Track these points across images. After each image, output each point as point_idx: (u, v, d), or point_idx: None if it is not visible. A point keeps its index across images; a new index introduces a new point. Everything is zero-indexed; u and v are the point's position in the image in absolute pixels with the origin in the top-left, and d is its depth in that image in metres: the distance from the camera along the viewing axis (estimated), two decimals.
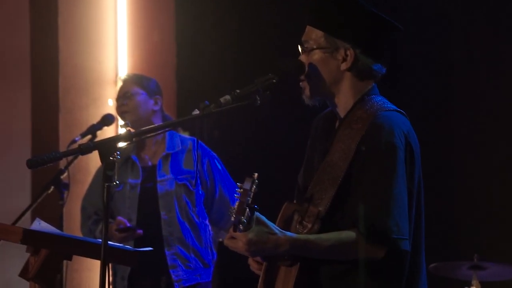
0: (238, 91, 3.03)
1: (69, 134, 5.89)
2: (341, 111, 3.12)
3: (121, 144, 2.89)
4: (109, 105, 5.06)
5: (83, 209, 5.00)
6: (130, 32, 6.39)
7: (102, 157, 2.84)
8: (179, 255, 4.82)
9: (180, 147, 4.92)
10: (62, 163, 4.89)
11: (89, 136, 4.94)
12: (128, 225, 4.72)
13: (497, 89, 5.54)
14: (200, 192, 4.91)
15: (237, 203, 2.85)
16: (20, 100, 6.17)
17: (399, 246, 2.92)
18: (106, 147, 2.85)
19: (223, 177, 4.98)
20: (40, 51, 6.18)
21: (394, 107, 3.10)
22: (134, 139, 2.94)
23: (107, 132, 5.48)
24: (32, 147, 6.15)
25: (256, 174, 2.89)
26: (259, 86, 3.03)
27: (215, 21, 6.24)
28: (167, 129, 3.08)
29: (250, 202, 2.85)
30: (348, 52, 3.07)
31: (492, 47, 5.55)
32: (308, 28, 3.13)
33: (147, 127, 3.01)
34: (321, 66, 3.08)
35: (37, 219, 3.19)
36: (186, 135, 5.09)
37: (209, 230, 4.97)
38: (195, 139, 4.96)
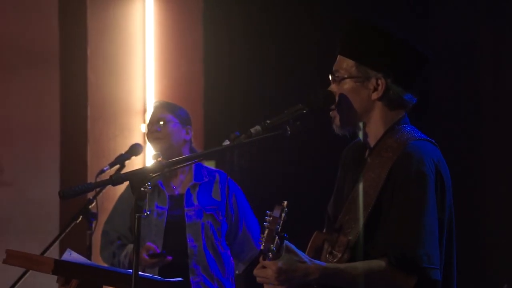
0: (268, 121, 3.03)
1: (97, 163, 5.92)
2: (371, 140, 3.12)
3: (152, 175, 2.90)
4: (139, 134, 5.06)
5: (105, 233, 5.00)
6: (158, 62, 6.43)
7: (134, 188, 2.86)
8: (203, 284, 4.84)
9: (208, 178, 4.95)
10: (91, 193, 4.91)
11: (117, 166, 4.94)
12: (158, 251, 4.74)
13: None
14: (225, 224, 4.93)
15: (266, 231, 2.85)
16: (49, 129, 6.21)
17: (430, 275, 2.91)
18: (137, 178, 2.87)
19: (247, 213, 5.02)
20: (69, 81, 6.22)
21: (424, 136, 3.10)
22: (165, 170, 2.94)
23: (135, 161, 5.50)
24: (60, 177, 6.18)
25: (285, 202, 2.89)
26: (290, 117, 3.03)
27: (243, 51, 6.27)
28: (196, 160, 3.08)
29: (279, 230, 2.85)
30: (379, 82, 3.07)
31: None
32: (339, 57, 3.13)
33: (178, 158, 3.02)
34: (352, 96, 3.09)
35: (68, 249, 3.20)
36: (211, 166, 5.12)
37: (231, 261, 4.99)
38: (222, 171, 5.01)
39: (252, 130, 3.01)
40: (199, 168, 4.99)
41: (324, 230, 3.19)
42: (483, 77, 5.70)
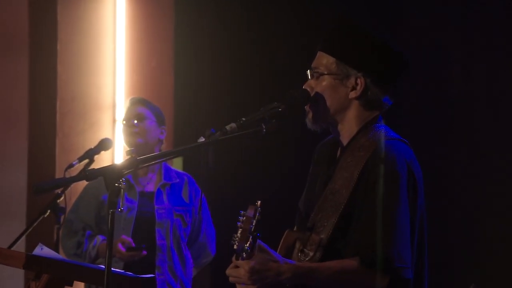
0: (244, 119, 3.02)
1: (66, 158, 5.88)
2: (344, 139, 3.13)
3: (127, 171, 2.89)
4: (108, 129, 5.04)
5: (70, 222, 4.97)
6: (128, 57, 6.40)
7: (108, 183, 2.84)
8: (168, 283, 4.85)
9: (178, 180, 4.95)
10: None
11: (86, 161, 4.92)
12: (133, 245, 4.74)
13: (496, 121, 5.55)
14: (189, 227, 4.94)
15: (240, 231, 2.84)
16: (17, 123, 6.17)
17: (402, 274, 2.93)
18: (112, 174, 2.85)
19: (208, 220, 5.06)
20: (38, 75, 6.18)
21: (397, 136, 3.11)
22: (139, 166, 2.92)
23: (104, 156, 5.48)
24: (28, 171, 6.14)
25: (259, 202, 2.89)
26: (265, 115, 3.03)
27: (214, 48, 6.26)
28: (172, 156, 3.07)
29: (253, 230, 2.84)
30: (358, 81, 3.08)
31: (491, 79, 5.58)
32: (320, 54, 3.14)
33: (152, 154, 3.01)
34: (329, 92, 3.09)
35: (40, 244, 3.18)
36: (179, 164, 5.13)
37: (191, 263, 5.01)
38: (189, 175, 5.00)
39: (228, 127, 3.01)
40: (167, 169, 4.99)
41: (295, 226, 3.20)
42: (452, 79, 5.73)
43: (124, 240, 4.74)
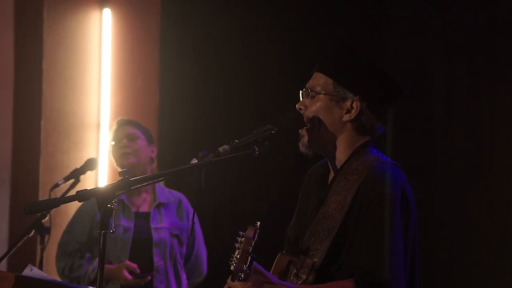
0: (237, 141, 3.02)
1: (50, 177, 5.85)
2: (337, 162, 3.14)
3: (119, 192, 2.87)
4: (93, 148, 5.02)
5: (65, 243, 4.94)
6: (113, 76, 6.39)
7: (100, 204, 2.83)
8: None
9: (172, 200, 4.94)
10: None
11: (72, 180, 4.89)
12: (138, 270, 4.75)
13: (478, 143, 5.58)
14: (185, 247, 4.93)
15: (238, 252, 2.81)
16: (1, 141, 6.12)
17: None
18: (105, 195, 2.84)
19: (200, 240, 5.04)
20: (23, 93, 6.16)
21: (389, 159, 3.12)
22: (132, 187, 2.91)
23: (88, 175, 5.44)
24: (11, 190, 6.09)
25: (258, 223, 2.86)
26: (258, 137, 3.03)
27: (200, 67, 6.25)
28: (164, 177, 3.06)
29: (251, 251, 2.83)
30: (354, 104, 3.09)
31: (472, 97, 5.61)
32: (317, 74, 3.15)
33: (145, 176, 3.00)
34: (324, 113, 3.10)
35: (29, 265, 3.15)
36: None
37: (186, 284, 5.00)
38: (182, 194, 5.00)
39: (220, 149, 3.00)
40: (161, 189, 4.98)
41: (282, 251, 3.18)
42: (435, 102, 5.75)
43: (129, 266, 4.73)
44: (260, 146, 3.03)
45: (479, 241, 5.43)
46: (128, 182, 2.90)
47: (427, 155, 5.70)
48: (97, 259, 4.85)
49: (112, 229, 2.84)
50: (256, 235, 2.84)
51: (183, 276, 4.95)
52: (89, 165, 4.96)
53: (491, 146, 5.50)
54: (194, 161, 2.98)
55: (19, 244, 4.73)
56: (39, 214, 4.84)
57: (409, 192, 3.07)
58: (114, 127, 5.06)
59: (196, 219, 5.02)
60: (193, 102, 6.24)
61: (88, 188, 2.84)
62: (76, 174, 4.91)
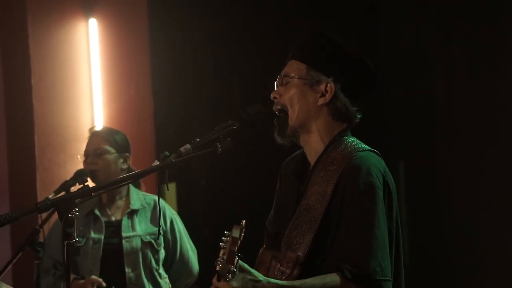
0: (198, 139, 3.02)
1: (48, 191, 5.80)
2: (314, 152, 3.10)
3: (79, 200, 2.84)
4: (79, 160, 5.00)
5: (42, 262, 4.89)
6: (105, 86, 6.37)
7: (60, 214, 2.81)
8: None
9: (145, 205, 4.88)
10: (39, 221, 4.83)
11: (62, 193, 4.86)
12: (104, 284, 4.68)
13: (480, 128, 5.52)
14: (163, 251, 4.87)
15: (226, 252, 2.76)
16: None
17: (383, 287, 2.91)
18: (64, 205, 2.82)
19: (183, 238, 4.95)
20: (14, 111, 6.16)
21: (367, 147, 3.08)
22: (92, 194, 2.88)
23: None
24: (10, 207, 6.10)
25: (243, 222, 2.82)
26: (220, 134, 3.02)
27: (192, 72, 6.24)
28: (126, 182, 3.03)
29: (236, 250, 2.78)
30: (328, 87, 3.05)
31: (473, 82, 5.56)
32: (291, 62, 3.13)
33: (105, 182, 2.97)
34: (298, 97, 3.07)
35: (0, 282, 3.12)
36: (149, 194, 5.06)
37: None
38: (156, 196, 4.94)
39: (182, 149, 3.00)
40: (136, 194, 4.93)
41: (264, 246, 3.16)
42: (434, 86, 5.71)
43: (94, 280, 4.68)
44: (222, 143, 3.01)
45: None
46: (88, 189, 2.88)
47: (428, 141, 5.66)
48: (72, 276, 4.83)
49: (75, 238, 2.80)
50: (242, 235, 2.79)
51: (164, 282, 4.87)
52: (79, 176, 4.93)
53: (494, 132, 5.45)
54: (156, 163, 2.96)
55: (14, 261, 4.69)
56: (33, 229, 4.84)
57: (390, 180, 3.03)
58: (88, 136, 5.03)
59: (177, 220, 4.95)
60: (187, 106, 6.22)
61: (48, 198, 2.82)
62: (66, 186, 4.87)
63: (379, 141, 3.09)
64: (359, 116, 3.11)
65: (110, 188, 2.87)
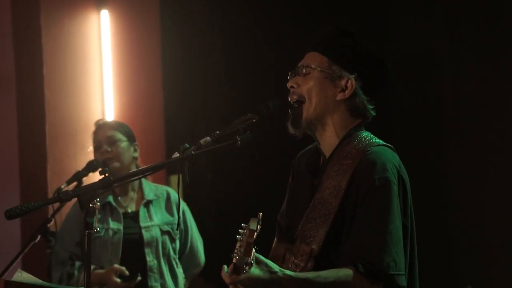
0: (218, 132, 3.01)
1: (58, 182, 5.83)
2: (328, 147, 3.10)
3: (101, 191, 2.86)
4: (90, 151, 5.02)
5: (55, 253, 4.93)
6: (116, 78, 6.38)
7: (82, 204, 2.83)
8: None
9: (159, 195, 4.92)
10: (50, 211, 4.86)
11: (74, 183, 4.88)
12: (127, 273, 4.72)
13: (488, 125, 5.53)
14: (178, 241, 4.90)
15: (243, 244, 2.77)
16: (8, 150, 6.15)
17: (397, 282, 2.92)
18: (86, 194, 2.83)
19: (193, 228, 5.01)
20: (26, 101, 6.17)
21: (382, 142, 3.09)
22: (114, 185, 2.90)
23: (93, 178, 5.44)
24: (21, 197, 6.11)
25: (260, 214, 2.83)
26: (239, 127, 3.02)
27: (203, 65, 6.25)
28: (147, 173, 3.04)
29: (253, 243, 2.79)
30: (349, 83, 3.06)
31: (480, 82, 5.57)
32: (311, 53, 3.13)
33: (126, 173, 2.99)
34: (317, 90, 3.07)
35: (19, 269, 3.15)
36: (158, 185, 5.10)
37: (183, 278, 4.98)
38: (170, 188, 4.98)
39: (202, 141, 2.99)
40: (148, 186, 4.96)
41: (276, 239, 3.18)
42: (444, 86, 5.72)
43: (117, 269, 4.70)
44: (241, 136, 3.01)
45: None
46: (110, 180, 2.89)
47: (435, 140, 5.67)
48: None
49: (95, 229, 2.82)
50: (259, 227, 2.80)
51: (179, 271, 4.93)
52: (91, 167, 4.95)
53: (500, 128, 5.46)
54: (176, 154, 2.97)
55: (26, 250, 4.73)
56: (44, 218, 4.86)
57: (404, 175, 3.03)
58: (93, 129, 5.04)
59: (188, 212, 5.01)
60: (198, 99, 6.23)
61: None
62: (78, 177, 4.89)
63: (385, 141, 3.09)
64: (374, 114, 3.12)
65: (132, 180, 2.88)
